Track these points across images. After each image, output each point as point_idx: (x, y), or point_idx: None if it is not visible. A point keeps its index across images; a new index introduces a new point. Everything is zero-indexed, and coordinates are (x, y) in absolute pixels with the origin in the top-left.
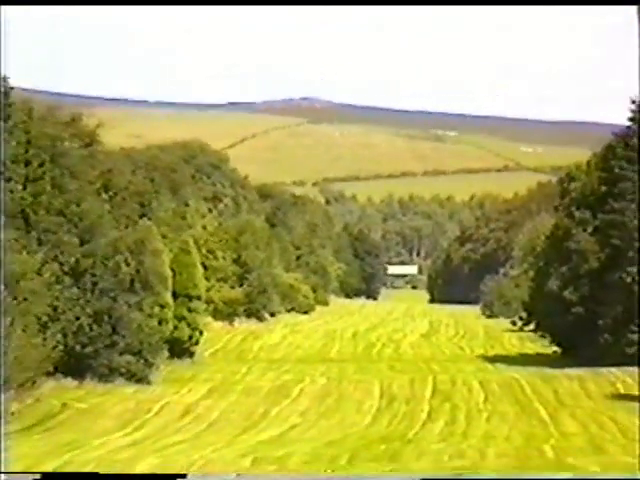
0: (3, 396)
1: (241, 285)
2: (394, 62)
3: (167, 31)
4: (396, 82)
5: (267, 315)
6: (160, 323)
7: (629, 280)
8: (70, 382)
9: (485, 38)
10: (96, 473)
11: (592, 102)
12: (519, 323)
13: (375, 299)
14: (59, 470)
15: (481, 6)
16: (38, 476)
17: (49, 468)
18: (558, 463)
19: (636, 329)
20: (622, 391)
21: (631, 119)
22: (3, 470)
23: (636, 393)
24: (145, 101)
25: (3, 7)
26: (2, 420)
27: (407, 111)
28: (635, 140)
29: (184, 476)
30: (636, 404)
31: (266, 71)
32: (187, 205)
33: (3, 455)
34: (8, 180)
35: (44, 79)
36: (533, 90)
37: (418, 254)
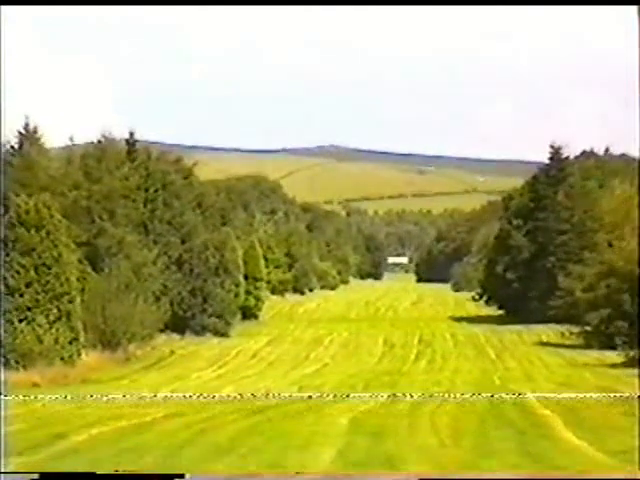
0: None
1: (290, 270)
2: (393, 118)
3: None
4: (394, 132)
5: (307, 291)
6: (235, 296)
7: (549, 266)
8: (175, 336)
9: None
10: (93, 473)
11: (527, 147)
12: (477, 295)
13: (380, 280)
14: (174, 392)
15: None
16: (36, 476)
17: (159, 395)
18: (502, 389)
19: (556, 299)
20: (545, 340)
21: (550, 158)
22: (3, 470)
23: (554, 341)
24: (224, 148)
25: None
26: (2, 420)
27: (401, 153)
28: (553, 171)
29: (182, 476)
30: (553, 348)
31: (305, 125)
32: (253, 217)
33: (3, 454)
34: (134, 201)
35: (150, 131)
36: (485, 135)
37: (409, 249)
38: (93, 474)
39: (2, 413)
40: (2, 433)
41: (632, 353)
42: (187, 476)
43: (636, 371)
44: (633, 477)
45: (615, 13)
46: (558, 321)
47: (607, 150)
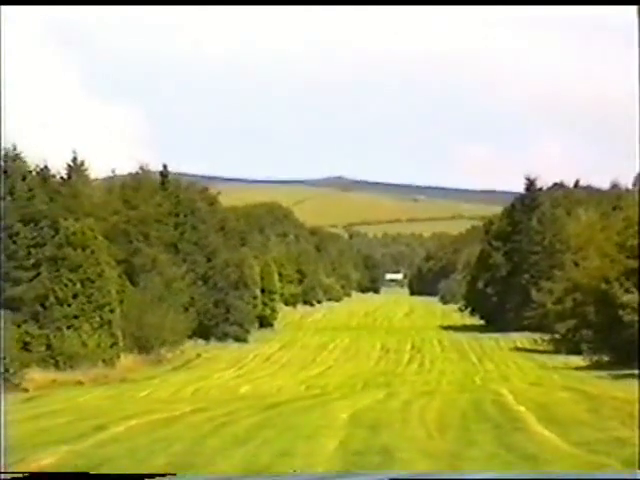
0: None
1: (300, 285)
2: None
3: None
4: (391, 166)
5: (315, 302)
6: (253, 307)
7: (524, 282)
8: (201, 342)
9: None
10: (91, 473)
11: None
12: (462, 307)
13: (378, 293)
14: (199, 390)
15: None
16: (36, 476)
17: (188, 393)
18: (482, 388)
19: (530, 311)
20: (520, 346)
21: (526, 189)
22: (3, 470)
23: (527, 347)
24: (244, 179)
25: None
26: (2, 420)
27: (396, 184)
28: (527, 200)
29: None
30: (526, 353)
31: (314, 160)
32: (268, 239)
33: (3, 453)
34: (165, 224)
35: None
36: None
37: (403, 267)
38: (93, 474)
39: (2, 416)
40: (2, 433)
41: (595, 358)
42: (188, 476)
43: (599, 373)
44: (633, 477)
45: (577, 52)
46: (531, 330)
47: (576, 183)
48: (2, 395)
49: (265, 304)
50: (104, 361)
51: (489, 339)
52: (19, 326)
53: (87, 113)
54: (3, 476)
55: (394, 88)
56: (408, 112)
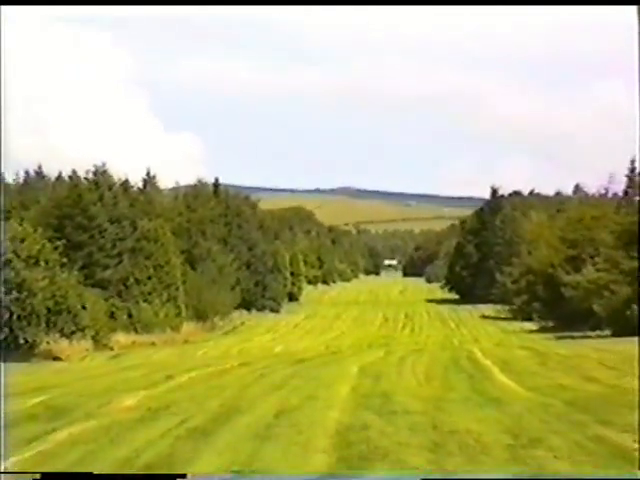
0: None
1: (320, 269)
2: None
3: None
4: (389, 177)
5: (331, 283)
6: (284, 286)
7: (490, 267)
8: (245, 312)
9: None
10: (93, 473)
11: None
12: (444, 286)
13: (379, 275)
14: (243, 350)
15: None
16: (38, 476)
17: (235, 351)
18: (459, 347)
19: (494, 289)
20: (486, 315)
21: (492, 196)
22: (3, 470)
23: (492, 316)
24: (277, 189)
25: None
26: (2, 420)
27: (394, 192)
28: (493, 205)
29: (184, 476)
30: (492, 321)
31: (329, 172)
32: (296, 235)
33: (3, 453)
34: (217, 224)
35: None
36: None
37: (398, 255)
38: (93, 474)
39: (2, 413)
40: (2, 433)
41: (543, 324)
42: (189, 476)
43: (546, 335)
44: (633, 477)
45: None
46: (495, 302)
47: (531, 192)
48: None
49: (293, 284)
50: (171, 327)
51: (463, 310)
52: (107, 300)
53: (157, 138)
54: (3, 476)
55: (395, 115)
56: (408, 138)
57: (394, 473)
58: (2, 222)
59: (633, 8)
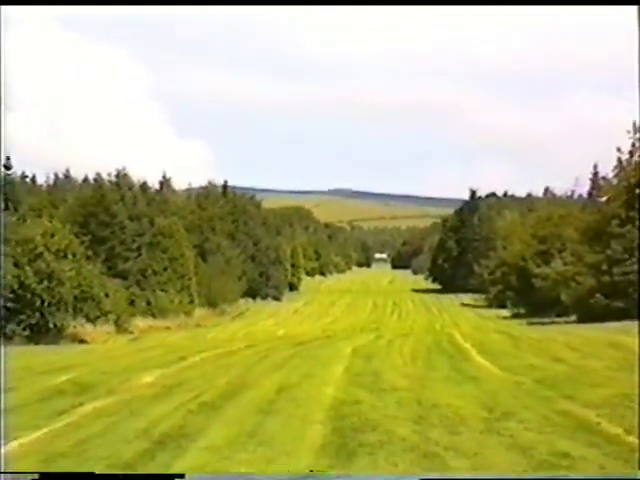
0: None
1: (317, 261)
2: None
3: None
4: (380, 180)
5: (327, 274)
6: (285, 277)
7: (468, 260)
8: (249, 300)
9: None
10: (93, 473)
11: (458, 190)
12: (428, 277)
13: (370, 267)
14: (249, 333)
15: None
16: (37, 476)
17: (241, 335)
18: (441, 331)
19: (472, 279)
20: (466, 303)
21: (471, 197)
22: (3, 470)
23: (471, 303)
24: (279, 190)
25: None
26: (2, 420)
27: (384, 193)
28: (471, 204)
29: (182, 476)
30: (470, 308)
31: (326, 175)
32: (296, 231)
33: (3, 453)
34: (226, 221)
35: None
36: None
37: (387, 249)
38: (93, 474)
39: (2, 413)
40: (2, 433)
41: (516, 311)
42: (187, 476)
43: (519, 321)
44: (633, 477)
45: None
46: (473, 292)
47: (505, 193)
48: (1, 402)
49: (293, 275)
50: (184, 313)
51: (445, 298)
52: (127, 289)
53: (172, 144)
54: (4, 476)
55: (390, 127)
56: (396, 144)
57: (394, 474)
58: (1, 216)
59: (633, 8)
